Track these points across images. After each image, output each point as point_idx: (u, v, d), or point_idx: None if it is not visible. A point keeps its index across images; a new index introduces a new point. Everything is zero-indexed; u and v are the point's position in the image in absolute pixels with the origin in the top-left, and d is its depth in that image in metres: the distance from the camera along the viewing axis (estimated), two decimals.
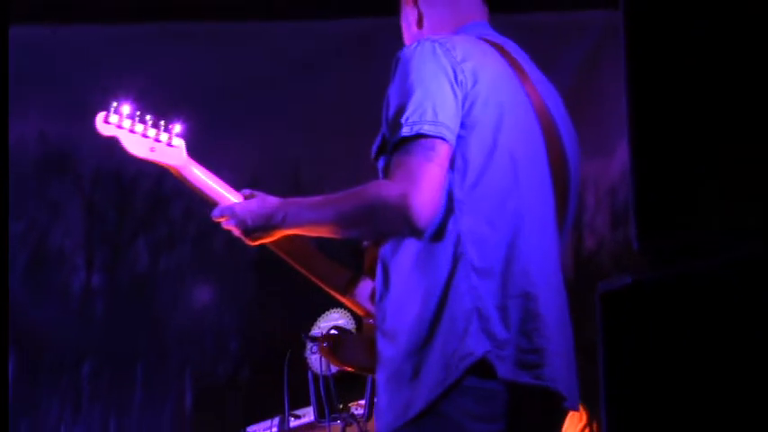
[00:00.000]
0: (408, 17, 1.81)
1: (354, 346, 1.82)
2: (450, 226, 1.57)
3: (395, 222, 1.56)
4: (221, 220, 1.79)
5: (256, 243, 1.76)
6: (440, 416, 1.53)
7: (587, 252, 3.92)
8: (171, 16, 4.03)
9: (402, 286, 1.61)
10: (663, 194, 0.94)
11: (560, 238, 1.72)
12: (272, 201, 1.73)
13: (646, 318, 0.90)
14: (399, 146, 1.57)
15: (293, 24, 4.05)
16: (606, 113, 3.63)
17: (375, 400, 1.70)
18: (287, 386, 2.43)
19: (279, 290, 3.80)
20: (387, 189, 1.56)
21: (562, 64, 3.81)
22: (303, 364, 2.46)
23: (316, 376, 2.45)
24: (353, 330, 1.90)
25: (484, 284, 1.57)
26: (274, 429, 2.95)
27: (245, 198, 1.82)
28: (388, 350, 1.61)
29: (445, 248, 1.58)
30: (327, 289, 1.89)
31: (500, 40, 1.77)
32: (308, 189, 4.13)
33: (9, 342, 1.42)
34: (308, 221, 1.67)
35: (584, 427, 3.18)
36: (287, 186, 4.08)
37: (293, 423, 2.80)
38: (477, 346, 1.54)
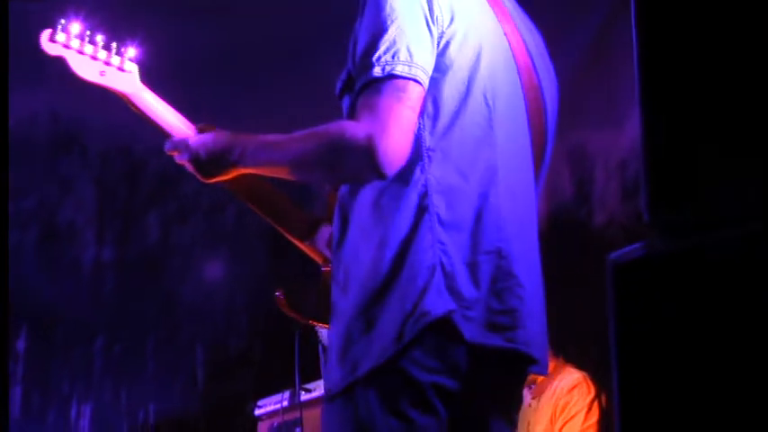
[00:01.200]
0: None
1: (313, 298, 1.73)
2: (417, 174, 1.45)
3: (358, 166, 1.42)
4: (173, 153, 1.66)
5: (211, 181, 1.64)
6: (390, 373, 1.43)
7: (598, 225, 3.91)
8: None
9: (359, 234, 1.49)
10: (674, 166, 0.93)
11: (536, 189, 1.60)
12: (229, 136, 1.60)
13: (656, 289, 0.90)
14: (369, 85, 1.43)
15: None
16: (617, 87, 3.61)
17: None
18: (298, 360, 2.43)
19: (290, 263, 3.81)
20: (352, 130, 1.42)
21: (575, 38, 3.78)
22: (314, 338, 2.46)
23: (326, 349, 2.46)
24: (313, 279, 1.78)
25: (451, 239, 1.45)
26: (285, 403, 2.97)
27: (199, 131, 1.69)
28: (341, 302, 1.50)
29: (409, 197, 1.45)
30: (286, 234, 1.78)
31: None
32: None
33: (8, 342, 1.39)
34: (266, 160, 1.55)
35: (593, 399, 3.18)
36: None
37: (304, 397, 2.82)
38: (437, 304, 1.42)
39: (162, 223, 4.28)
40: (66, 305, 4.24)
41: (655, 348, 0.89)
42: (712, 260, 0.87)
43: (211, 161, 1.61)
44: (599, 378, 3.22)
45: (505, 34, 1.59)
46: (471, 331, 1.44)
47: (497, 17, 1.59)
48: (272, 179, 1.68)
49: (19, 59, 4.27)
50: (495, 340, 1.47)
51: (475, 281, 1.46)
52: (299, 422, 2.82)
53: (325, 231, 1.72)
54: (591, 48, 3.85)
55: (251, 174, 1.65)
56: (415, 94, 1.43)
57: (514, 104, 1.57)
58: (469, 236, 1.47)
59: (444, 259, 1.45)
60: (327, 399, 1.50)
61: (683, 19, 0.92)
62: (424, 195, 1.46)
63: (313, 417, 2.84)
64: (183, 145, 1.65)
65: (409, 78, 1.43)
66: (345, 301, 1.50)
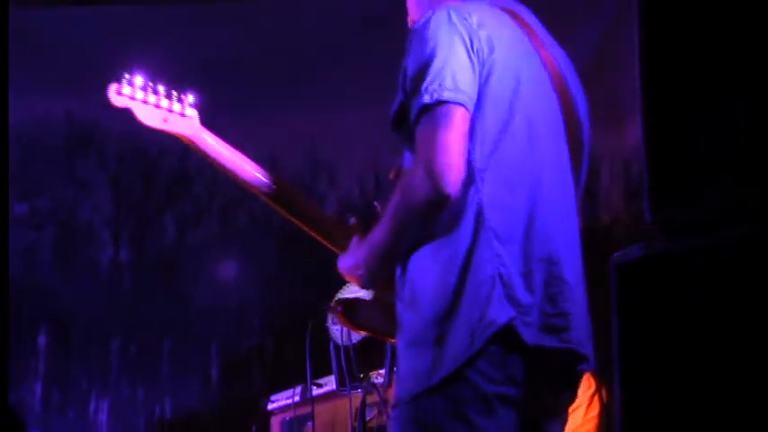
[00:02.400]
0: None
1: (368, 311, 1.79)
2: (471, 194, 1.54)
3: (432, 204, 1.53)
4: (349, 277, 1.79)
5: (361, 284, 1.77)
6: (460, 381, 1.51)
7: (602, 224, 3.90)
8: None
9: (423, 253, 1.58)
10: (676, 167, 0.93)
11: (577, 197, 1.70)
12: (357, 253, 1.72)
13: (657, 288, 0.90)
14: (421, 114, 1.55)
15: (316, 3, 4.03)
16: (621, 89, 3.60)
17: (395, 367, 1.69)
18: (309, 356, 2.43)
19: (301, 263, 3.81)
20: (410, 177, 1.55)
21: (580, 40, 3.78)
22: (325, 335, 2.47)
23: (337, 346, 2.46)
24: (368, 296, 1.88)
25: (506, 250, 1.54)
26: (297, 398, 2.98)
27: (353, 227, 1.83)
28: (408, 316, 1.59)
29: (467, 217, 1.54)
30: (330, 245, 1.89)
31: (512, 5, 1.73)
32: (324, 160, 4.14)
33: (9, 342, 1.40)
34: (381, 257, 1.66)
35: (594, 393, 3.19)
36: (305, 157, 4.10)
37: (315, 392, 2.82)
38: (500, 313, 1.51)
39: (177, 225, 4.29)
40: (83, 304, 4.26)
41: (655, 345, 0.89)
42: (713, 260, 0.87)
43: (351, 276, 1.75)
44: (599, 374, 3.23)
45: (540, 57, 1.68)
46: (530, 335, 1.52)
47: (532, 43, 1.68)
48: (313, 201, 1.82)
49: (37, 64, 4.29)
50: (552, 342, 1.55)
51: (530, 288, 1.54)
52: (310, 416, 2.82)
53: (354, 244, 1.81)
54: (595, 51, 3.85)
55: (298, 197, 1.85)
56: (462, 118, 1.54)
57: (553, 122, 1.66)
58: (522, 246, 1.56)
59: (503, 270, 1.53)
60: (399, 404, 1.57)
61: (686, 24, 0.92)
62: (480, 213, 1.55)
63: (323, 411, 2.84)
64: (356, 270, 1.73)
65: (455, 103, 1.53)
66: (414, 315, 1.58)
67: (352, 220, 1.85)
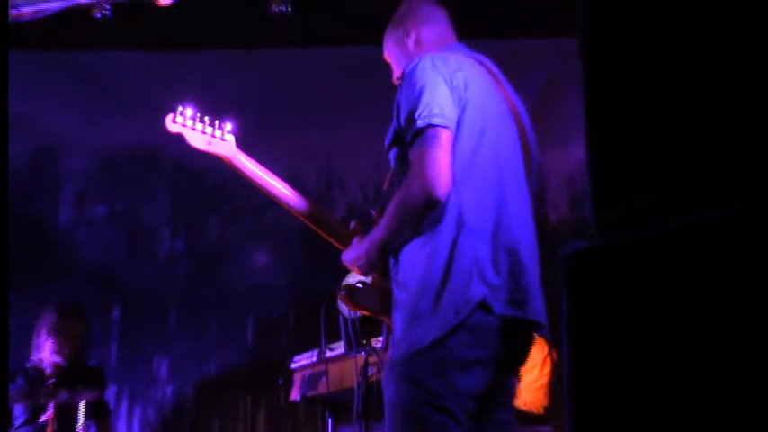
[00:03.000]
0: (405, 41, 1.82)
1: (366, 295, 1.78)
2: (453, 198, 1.56)
3: (426, 205, 1.54)
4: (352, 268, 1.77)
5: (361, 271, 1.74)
6: (443, 346, 1.52)
7: (551, 225, 3.88)
8: (228, 45, 4.02)
9: (413, 247, 1.59)
10: (611, 181, 0.91)
11: (531, 203, 1.72)
12: (360, 246, 1.70)
13: (598, 275, 0.88)
14: (415, 137, 1.56)
15: (324, 50, 4.02)
16: (567, 120, 3.60)
17: (391, 335, 1.68)
18: (324, 326, 2.42)
19: (318, 254, 3.79)
20: (408, 188, 1.55)
21: (532, 83, 3.76)
22: (336, 310, 2.45)
23: (345, 319, 2.45)
24: (367, 282, 1.88)
25: (480, 243, 1.56)
26: (314, 359, 2.96)
27: (354, 229, 1.83)
28: (402, 295, 1.59)
29: (449, 217, 1.56)
30: (335, 243, 1.91)
31: (479, 56, 1.77)
32: (337, 173, 4.13)
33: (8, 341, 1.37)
34: (381, 250, 1.65)
35: (547, 354, 3.17)
36: (322, 171, 4.09)
37: (328, 354, 2.81)
38: (477, 291, 1.53)
39: (220, 223, 4.28)
40: (148, 285, 4.24)
41: (595, 317, 0.87)
42: (640, 251, 0.85)
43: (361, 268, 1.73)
44: (550, 338, 3.21)
45: (502, 96, 1.72)
46: (499, 307, 1.54)
47: (496, 85, 1.73)
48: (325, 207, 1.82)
49: (115, 98, 4.26)
50: (516, 312, 1.56)
51: (498, 271, 1.56)
52: (324, 373, 2.80)
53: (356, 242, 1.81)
54: (545, 89, 3.83)
55: (314, 205, 1.88)
56: (447, 138, 1.56)
57: (512, 145, 1.69)
58: (491, 239, 1.57)
59: (477, 258, 1.55)
60: (393, 363, 1.56)
61: (620, 60, 0.90)
62: (460, 214, 1.56)
63: (335, 369, 2.82)
64: (359, 262, 1.71)
65: (442, 126, 1.55)
66: (407, 294, 1.58)
67: (353, 224, 1.87)
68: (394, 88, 1.92)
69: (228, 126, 1.96)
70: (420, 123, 1.55)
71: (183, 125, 1.93)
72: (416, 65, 1.62)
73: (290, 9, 3.66)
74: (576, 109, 0.99)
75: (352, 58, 3.91)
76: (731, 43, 0.81)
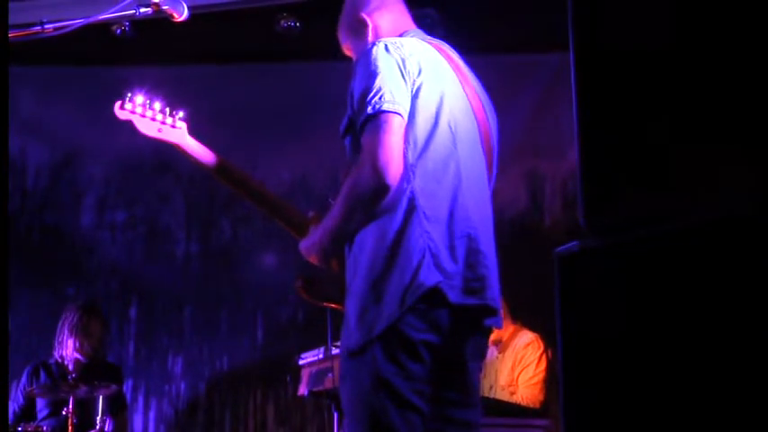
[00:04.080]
0: (362, 28, 1.69)
1: (324, 285, 1.69)
2: (404, 185, 1.47)
3: (376, 192, 1.44)
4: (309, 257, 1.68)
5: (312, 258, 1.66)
6: (395, 332, 1.43)
7: (547, 227, 3.88)
8: (241, 59, 4.03)
9: (364, 231, 1.50)
10: (601, 186, 0.92)
11: (490, 189, 1.64)
12: (315, 234, 1.62)
13: (589, 273, 0.89)
14: (366, 122, 1.46)
15: (332, 64, 4.03)
16: (560, 128, 3.60)
17: (343, 324, 1.54)
18: (330, 324, 2.41)
19: None
20: (357, 172, 1.46)
21: (527, 95, 3.77)
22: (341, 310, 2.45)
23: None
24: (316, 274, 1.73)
25: (434, 229, 1.46)
26: (320, 356, 2.96)
27: (312, 220, 1.74)
28: (353, 284, 1.49)
29: (401, 202, 1.46)
30: (289, 230, 1.85)
31: (436, 41, 1.67)
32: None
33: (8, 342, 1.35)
34: (333, 238, 1.56)
35: (542, 353, 3.17)
36: (329, 177, 4.09)
37: (334, 351, 2.80)
38: (428, 277, 1.44)
39: (232, 225, 4.28)
40: (164, 284, 4.24)
41: (586, 317, 0.88)
42: (629, 252, 0.86)
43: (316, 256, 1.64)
44: (546, 338, 3.21)
45: (460, 81, 1.62)
46: (454, 296, 1.46)
47: (455, 71, 1.63)
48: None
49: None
50: (471, 300, 1.49)
51: (454, 258, 1.48)
52: (330, 369, 2.80)
53: (312, 230, 1.70)
54: (540, 101, 3.83)
55: (270, 193, 1.81)
56: (398, 124, 1.47)
57: (470, 131, 1.60)
58: (447, 226, 1.49)
59: (431, 244, 1.46)
60: (348, 355, 1.49)
61: (610, 81, 0.91)
62: (412, 199, 1.48)
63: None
64: (314, 251, 1.63)
65: (393, 112, 1.46)
66: (356, 283, 1.50)
67: (310, 213, 1.81)
68: None
69: (180, 114, 1.85)
70: (370, 110, 1.45)
71: (132, 111, 1.83)
72: (368, 51, 1.53)
73: (297, 24, 3.67)
74: (568, 119, 1.00)
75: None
76: (720, 53, 0.82)
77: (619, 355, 0.83)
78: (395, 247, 1.46)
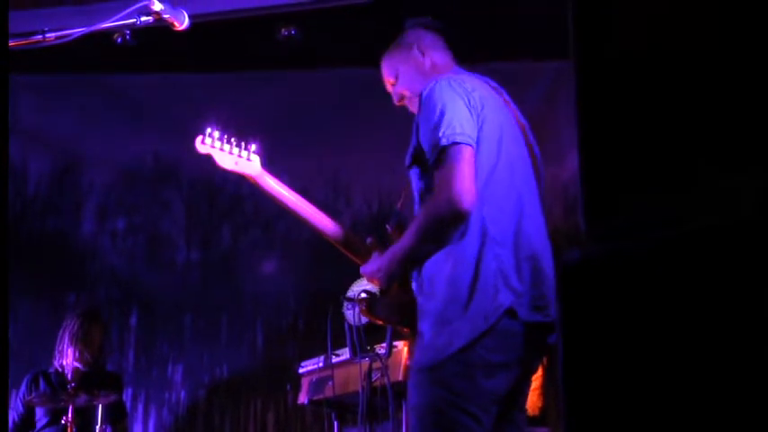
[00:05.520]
0: (422, 61, 1.81)
1: (383, 306, 1.76)
2: (476, 212, 1.56)
3: (452, 219, 1.53)
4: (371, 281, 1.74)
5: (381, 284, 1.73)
6: (471, 351, 1.52)
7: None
8: (241, 67, 4.04)
9: (438, 258, 1.59)
10: (602, 191, 0.92)
11: (543, 213, 1.74)
12: (382, 258, 1.67)
13: (590, 280, 0.88)
14: (440, 154, 1.56)
15: (331, 71, 4.04)
16: (560, 135, 3.61)
17: (417, 341, 1.63)
18: (330, 333, 2.41)
19: (325, 262, 3.79)
20: (435, 203, 1.55)
21: (528, 102, 3.78)
22: (341, 317, 2.44)
23: (350, 326, 2.44)
24: (378, 293, 1.86)
25: (503, 252, 1.56)
26: (321, 364, 2.95)
27: (371, 244, 1.80)
28: (429, 304, 1.58)
29: (473, 229, 1.56)
30: (353, 257, 1.88)
31: (484, 77, 1.79)
32: (342, 186, 4.14)
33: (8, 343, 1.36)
34: (405, 262, 1.63)
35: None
36: (329, 184, 4.10)
37: (334, 360, 2.79)
38: (505, 299, 1.53)
39: (232, 233, 4.28)
40: (164, 291, 4.24)
41: (587, 320, 0.87)
42: (631, 259, 0.85)
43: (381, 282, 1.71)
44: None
45: (513, 115, 1.74)
46: (524, 313, 1.55)
47: (505, 104, 1.75)
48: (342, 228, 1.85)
49: (133, 117, 4.27)
50: (539, 317, 1.57)
51: (521, 278, 1.57)
52: (330, 378, 2.79)
53: (375, 256, 1.77)
54: (540, 108, 3.84)
55: (338, 225, 1.85)
56: (470, 154, 1.57)
57: (524, 158, 1.72)
58: (513, 248, 1.59)
59: (502, 266, 1.56)
60: (422, 369, 1.55)
61: (611, 88, 0.91)
62: (484, 225, 1.57)
63: (340, 374, 2.81)
64: (377, 276, 1.69)
65: (465, 144, 1.56)
66: (435, 303, 1.58)
67: (369, 240, 1.85)
68: (395, 109, 1.93)
69: (253, 147, 1.96)
70: (444, 141, 1.55)
71: (212, 146, 1.93)
72: (434, 87, 1.62)
73: (297, 33, 3.68)
74: (568, 124, 1.00)
75: (355, 80, 3.92)
76: (721, 58, 0.81)
77: (621, 362, 0.82)
78: (475, 271, 1.54)
